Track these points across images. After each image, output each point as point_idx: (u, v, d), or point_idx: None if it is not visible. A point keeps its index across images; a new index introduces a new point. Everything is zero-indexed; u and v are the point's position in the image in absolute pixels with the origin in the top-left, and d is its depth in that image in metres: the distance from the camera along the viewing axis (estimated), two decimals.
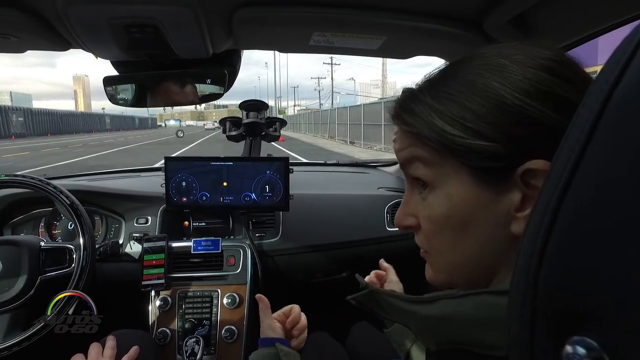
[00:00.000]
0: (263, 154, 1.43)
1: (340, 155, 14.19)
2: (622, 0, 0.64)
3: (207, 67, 0.94)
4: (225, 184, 1.29)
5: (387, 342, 1.13)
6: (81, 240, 1.09)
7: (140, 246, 1.26)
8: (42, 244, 1.10)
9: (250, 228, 1.37)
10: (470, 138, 0.36)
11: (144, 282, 1.20)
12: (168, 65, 0.92)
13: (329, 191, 1.55)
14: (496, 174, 0.37)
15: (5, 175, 1.11)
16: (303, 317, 1.01)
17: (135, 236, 1.31)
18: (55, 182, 1.16)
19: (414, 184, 0.44)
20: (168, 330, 1.19)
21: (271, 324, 0.92)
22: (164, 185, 1.30)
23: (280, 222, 1.39)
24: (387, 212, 1.46)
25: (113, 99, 0.99)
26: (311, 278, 1.43)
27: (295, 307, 1.00)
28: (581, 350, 0.18)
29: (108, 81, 0.97)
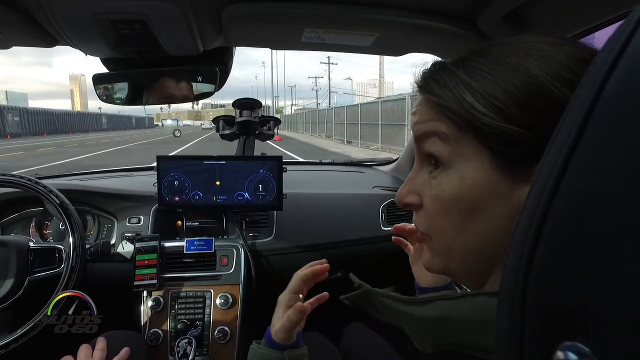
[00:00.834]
0: (257, 153, 1.41)
1: (336, 154, 14.19)
2: None
3: (198, 64, 0.93)
4: (218, 183, 1.28)
5: (381, 343, 1.12)
6: (71, 240, 1.08)
7: (133, 246, 1.24)
8: (31, 244, 1.08)
9: (244, 228, 1.36)
10: (500, 120, 0.35)
11: (136, 283, 1.18)
12: (158, 63, 0.91)
13: (323, 190, 1.54)
14: (518, 162, 0.35)
15: None
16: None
17: (128, 236, 1.29)
18: (46, 182, 1.14)
19: (425, 162, 0.42)
20: (160, 331, 1.17)
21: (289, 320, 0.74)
22: (156, 184, 1.28)
23: (274, 222, 1.38)
24: (382, 212, 1.45)
25: (102, 97, 0.97)
26: None
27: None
28: (572, 356, 0.17)
29: (98, 79, 0.95)
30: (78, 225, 1.10)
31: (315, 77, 59.41)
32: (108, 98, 0.97)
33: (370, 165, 1.96)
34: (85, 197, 1.35)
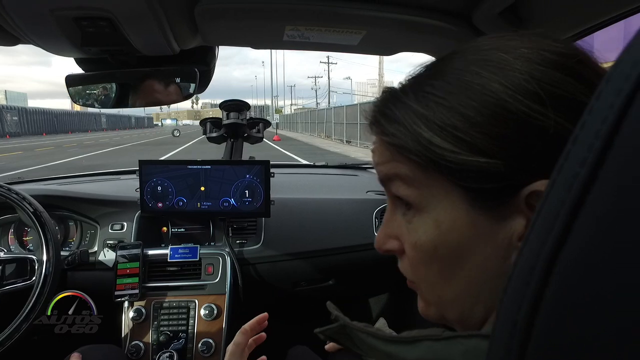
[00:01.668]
0: (255, 154, 1.36)
1: (335, 154, 14.12)
2: None
3: (177, 65, 0.87)
4: (202, 188, 1.22)
5: None
6: (44, 250, 1.02)
7: (114, 254, 1.19)
8: (1, 254, 1.03)
9: (230, 235, 1.30)
10: (464, 153, 0.30)
11: (117, 292, 1.13)
12: (135, 64, 0.85)
13: (314, 195, 1.49)
14: (496, 197, 0.30)
15: None
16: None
17: (109, 243, 1.24)
18: (27, 186, 1.09)
19: (396, 203, 0.37)
20: (141, 344, 1.12)
21: None
22: (138, 189, 1.23)
23: (262, 228, 1.33)
24: (375, 217, 1.40)
25: (77, 99, 0.92)
26: (295, 287, 1.37)
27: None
28: None
29: (71, 80, 0.90)
30: (53, 234, 1.05)
31: (315, 77, 59.29)
32: (84, 100, 0.92)
33: (365, 169, 1.91)
34: (66, 202, 1.29)
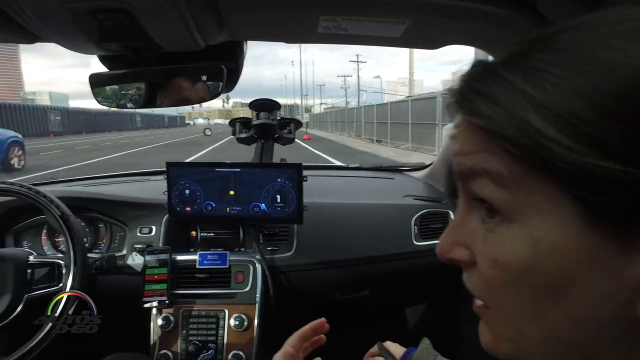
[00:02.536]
0: (287, 155, 1.30)
1: (366, 153, 13.97)
2: None
3: (203, 62, 0.82)
4: (232, 192, 1.17)
5: None
6: (72, 255, 1.00)
7: (143, 258, 1.16)
8: (31, 258, 1.01)
9: (261, 241, 1.24)
10: (589, 152, 0.21)
11: (145, 299, 1.09)
12: (159, 61, 0.80)
13: (348, 200, 1.41)
14: (627, 218, 0.21)
15: None
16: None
17: (137, 247, 1.21)
18: (56, 187, 1.07)
19: (474, 205, 0.28)
20: (170, 353, 1.08)
21: None
22: (166, 192, 1.19)
23: (294, 235, 1.26)
24: (414, 224, 1.31)
25: (99, 98, 0.88)
26: (328, 296, 1.30)
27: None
28: None
29: (96, 80, 0.86)
30: (79, 239, 1.02)
31: (344, 76, 59.10)
32: (108, 100, 0.88)
33: (401, 171, 1.81)
34: (95, 204, 1.27)
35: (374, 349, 0.70)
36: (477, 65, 0.27)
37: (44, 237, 1.30)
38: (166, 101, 0.90)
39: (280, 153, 1.35)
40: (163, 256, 1.14)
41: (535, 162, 0.23)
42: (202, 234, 1.28)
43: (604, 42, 0.22)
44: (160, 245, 1.21)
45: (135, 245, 1.21)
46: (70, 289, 0.97)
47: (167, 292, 1.11)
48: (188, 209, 1.19)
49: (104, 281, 1.17)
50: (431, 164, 1.65)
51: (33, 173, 9.38)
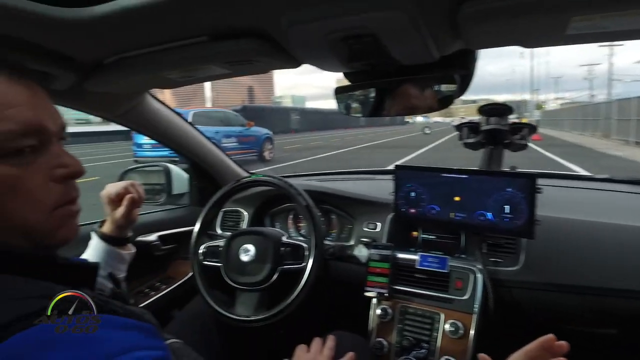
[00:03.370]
0: (516, 156, 1.22)
1: (615, 157, 11.44)
2: None
3: (435, 72, 0.84)
4: (457, 198, 1.16)
5: None
6: (312, 240, 1.19)
7: (367, 251, 1.27)
8: (284, 238, 1.25)
9: (484, 251, 1.19)
10: None
11: (367, 288, 1.20)
12: (393, 73, 0.87)
13: (593, 217, 1.20)
14: None
15: (263, 175, 1.34)
16: None
17: (364, 240, 1.33)
18: (299, 180, 1.30)
19: None
20: (385, 342, 1.16)
21: None
22: (392, 193, 1.27)
23: (522, 249, 1.16)
24: None
25: (343, 109, 1.01)
26: (557, 323, 1.14)
27: None
28: None
29: (338, 91, 0.99)
30: (319, 227, 1.20)
31: (590, 65, 49.53)
32: (349, 110, 1.01)
33: None
34: (330, 198, 1.47)
35: None
36: None
37: (290, 221, 1.59)
38: (394, 110, 0.97)
39: (508, 158, 1.26)
40: (386, 252, 1.22)
41: None
42: (423, 236, 1.32)
43: None
44: (384, 241, 1.31)
45: (362, 239, 1.34)
46: (310, 268, 1.16)
47: (387, 285, 1.18)
48: (412, 210, 1.24)
49: (334, 267, 1.34)
50: None
51: (279, 164, 11.39)
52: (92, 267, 0.58)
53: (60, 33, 0.68)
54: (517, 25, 0.64)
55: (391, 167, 1.49)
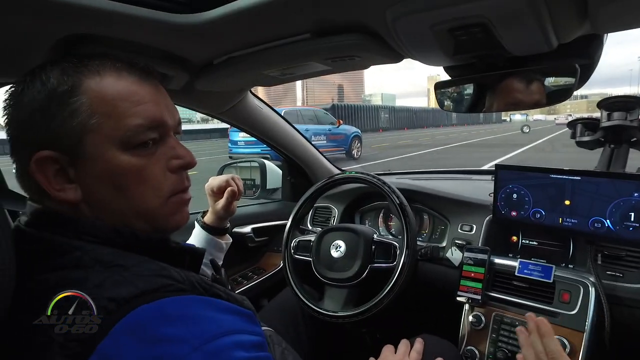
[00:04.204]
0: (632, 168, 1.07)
1: None
2: None
3: (550, 62, 0.76)
4: (567, 202, 1.05)
5: None
6: (405, 240, 1.15)
7: (461, 254, 1.21)
8: (375, 236, 1.23)
9: (599, 262, 1.06)
10: None
11: (459, 293, 1.14)
12: (501, 66, 0.80)
13: None
14: None
15: (356, 172, 1.33)
16: None
17: (458, 243, 1.27)
18: (392, 179, 1.27)
19: None
20: (476, 351, 1.09)
21: None
22: (492, 194, 1.19)
23: None
24: None
25: (442, 104, 0.97)
26: None
27: None
28: None
29: (439, 86, 0.95)
30: (412, 227, 1.16)
31: None
32: (448, 105, 0.96)
33: None
34: (423, 197, 1.42)
35: None
36: None
37: (380, 219, 1.57)
38: (496, 105, 0.89)
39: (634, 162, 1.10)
40: (481, 256, 1.15)
41: None
42: (523, 241, 1.22)
43: None
44: (480, 244, 1.23)
45: (456, 241, 1.28)
46: (401, 267, 1.13)
47: (481, 291, 1.11)
48: (514, 213, 1.15)
49: (424, 268, 1.30)
50: None
51: (367, 162, 11.35)
52: (200, 253, 0.63)
53: (178, 37, 0.74)
54: None
55: (488, 166, 1.40)
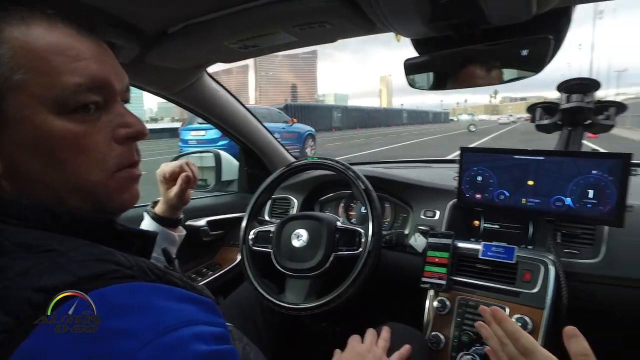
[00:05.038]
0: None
1: None
2: None
3: (524, 35, 0.75)
4: (531, 183, 1.06)
5: None
6: (370, 226, 1.12)
7: (425, 240, 1.20)
8: (338, 223, 1.18)
9: (558, 241, 1.08)
10: None
11: (423, 279, 1.13)
12: (475, 39, 0.78)
13: None
14: None
15: (318, 158, 1.27)
16: None
17: (421, 229, 1.26)
18: (355, 167, 1.23)
19: None
20: (442, 336, 1.07)
21: None
22: (456, 178, 1.18)
23: (603, 240, 1.04)
24: None
25: (410, 82, 0.94)
26: None
27: None
28: None
29: (409, 63, 0.92)
30: (377, 213, 1.13)
31: None
32: (414, 83, 0.93)
33: None
34: (385, 184, 1.40)
35: None
36: None
37: (340, 209, 1.53)
38: (465, 81, 0.88)
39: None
40: (445, 240, 1.14)
41: None
42: (485, 225, 1.23)
43: None
44: (443, 229, 1.22)
45: (419, 227, 1.26)
46: (367, 254, 1.09)
47: (446, 276, 1.10)
48: (478, 196, 1.15)
49: (387, 256, 1.27)
50: None
51: None
52: (151, 236, 0.55)
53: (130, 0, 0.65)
54: None
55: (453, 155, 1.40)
